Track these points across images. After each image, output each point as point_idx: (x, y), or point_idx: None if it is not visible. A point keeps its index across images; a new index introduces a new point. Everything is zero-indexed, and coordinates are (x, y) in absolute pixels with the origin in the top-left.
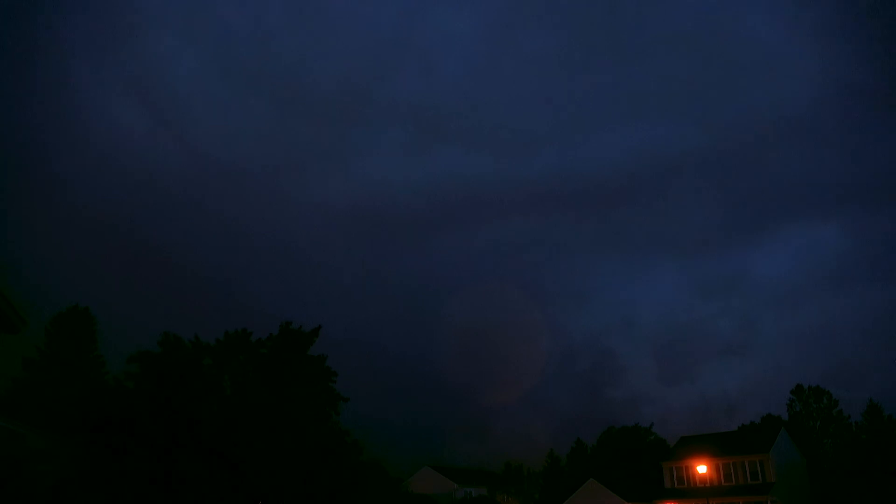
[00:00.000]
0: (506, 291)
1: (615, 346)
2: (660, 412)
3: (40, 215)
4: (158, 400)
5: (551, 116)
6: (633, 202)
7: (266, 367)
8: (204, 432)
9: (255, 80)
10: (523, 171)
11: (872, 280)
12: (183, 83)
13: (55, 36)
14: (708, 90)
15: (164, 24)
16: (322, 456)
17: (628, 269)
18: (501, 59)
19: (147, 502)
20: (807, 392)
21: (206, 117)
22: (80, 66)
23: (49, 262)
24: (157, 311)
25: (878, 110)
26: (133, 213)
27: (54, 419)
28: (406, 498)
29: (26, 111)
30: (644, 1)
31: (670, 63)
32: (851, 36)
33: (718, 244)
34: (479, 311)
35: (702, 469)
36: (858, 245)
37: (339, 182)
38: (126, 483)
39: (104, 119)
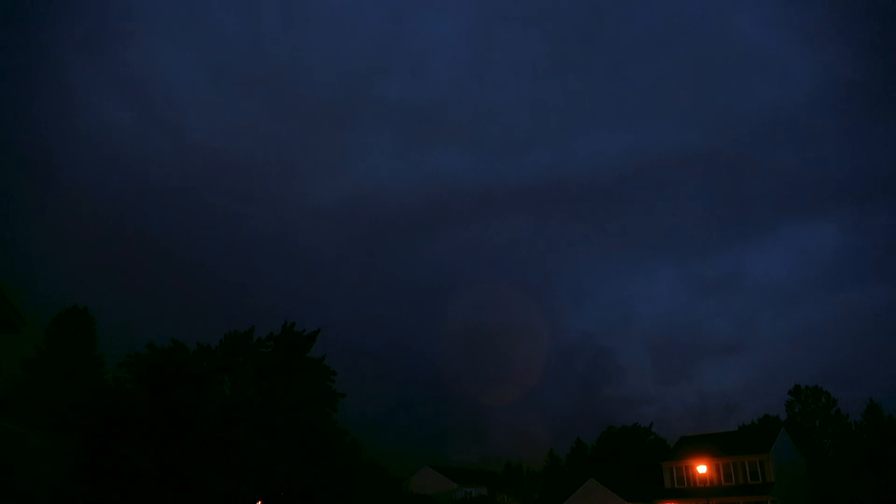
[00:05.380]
0: (504, 291)
1: (613, 346)
2: (658, 412)
3: (40, 216)
4: (156, 400)
5: (546, 116)
6: (631, 201)
7: (265, 367)
8: (203, 432)
9: (249, 81)
10: (519, 171)
11: (870, 279)
12: (181, 85)
13: (52, 38)
14: (705, 89)
15: (159, 25)
16: (321, 455)
17: (626, 268)
18: (492, 59)
19: (147, 502)
20: (805, 392)
21: (203, 118)
22: (78, 68)
23: (49, 262)
24: (157, 311)
25: (874, 109)
26: (132, 213)
27: (54, 419)
28: (406, 498)
29: (25, 113)
30: (637, 0)
31: (668, 62)
32: (848, 34)
33: (716, 243)
34: (478, 310)
35: (702, 469)
36: (856, 244)
37: (335, 182)
38: (126, 483)
39: (103, 120)
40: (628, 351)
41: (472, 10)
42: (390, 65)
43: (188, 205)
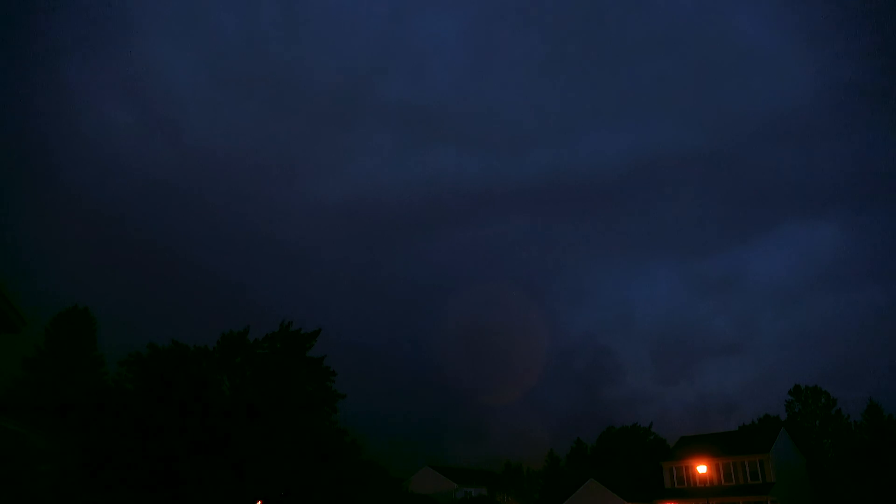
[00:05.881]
0: (504, 291)
1: (613, 346)
2: (658, 412)
3: (40, 216)
4: (155, 401)
5: (546, 116)
6: (631, 201)
7: (264, 367)
8: (203, 432)
9: (249, 81)
10: (519, 171)
11: (870, 279)
12: (181, 85)
13: (51, 38)
14: (705, 89)
15: (158, 25)
16: (321, 455)
17: (626, 267)
18: (492, 59)
19: (147, 502)
20: (805, 392)
21: (203, 118)
22: (78, 68)
23: (49, 262)
24: (157, 310)
25: (874, 109)
26: (132, 213)
27: (54, 419)
28: (406, 498)
29: (25, 113)
30: (637, 1)
31: (668, 62)
32: (848, 34)
33: (716, 243)
34: (478, 310)
35: (702, 469)
36: (856, 244)
37: (335, 182)
38: (126, 483)
39: (103, 120)
40: (628, 351)
41: (471, 10)
42: (390, 65)
43: (188, 205)
